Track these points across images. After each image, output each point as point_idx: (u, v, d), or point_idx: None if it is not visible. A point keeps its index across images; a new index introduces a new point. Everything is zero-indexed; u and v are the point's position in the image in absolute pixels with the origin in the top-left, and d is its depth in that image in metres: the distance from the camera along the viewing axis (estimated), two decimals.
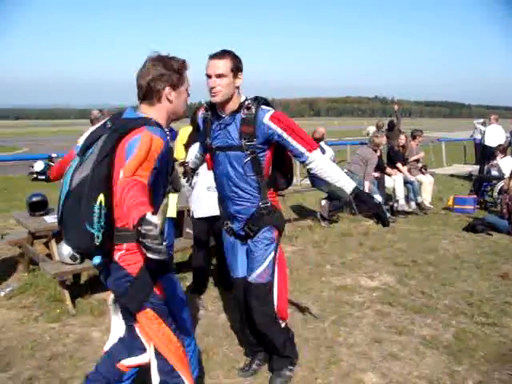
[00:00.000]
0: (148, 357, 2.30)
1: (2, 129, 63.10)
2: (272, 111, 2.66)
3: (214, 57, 2.59)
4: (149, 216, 1.60)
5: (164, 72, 2.12)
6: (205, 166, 3.15)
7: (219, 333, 3.84)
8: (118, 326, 2.44)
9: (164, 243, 1.66)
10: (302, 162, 2.77)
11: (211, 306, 4.37)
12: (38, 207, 4.75)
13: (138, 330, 2.28)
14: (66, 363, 3.36)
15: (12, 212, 6.26)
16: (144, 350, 2.31)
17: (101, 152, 2.04)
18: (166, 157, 2.12)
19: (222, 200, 2.96)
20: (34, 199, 4.78)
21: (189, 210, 4.63)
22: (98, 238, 2.01)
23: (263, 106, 2.68)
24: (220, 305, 4.40)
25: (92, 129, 2.25)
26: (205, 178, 4.04)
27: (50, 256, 4.73)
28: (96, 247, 2.05)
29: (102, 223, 2.00)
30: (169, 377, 2.24)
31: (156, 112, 2.17)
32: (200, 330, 3.83)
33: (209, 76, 2.60)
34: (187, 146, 6.06)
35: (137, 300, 2.15)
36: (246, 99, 2.71)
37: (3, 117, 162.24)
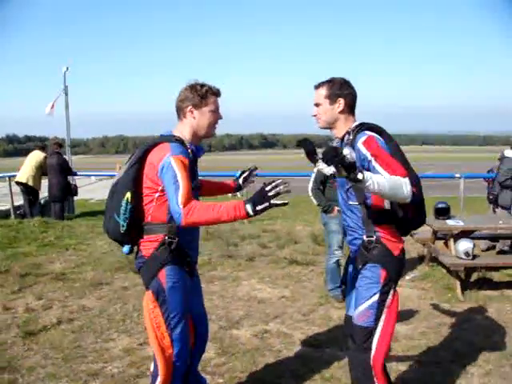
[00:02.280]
0: None
1: None
2: (366, 136, 2.47)
3: (314, 87, 2.69)
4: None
5: (189, 95, 2.55)
6: None
7: None
8: None
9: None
10: None
11: None
12: (443, 212, 5.81)
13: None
14: None
15: None
16: None
17: (133, 160, 2.52)
18: (191, 166, 2.50)
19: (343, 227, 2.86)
20: (440, 206, 5.88)
21: None
22: (123, 227, 2.47)
23: (366, 131, 2.51)
24: None
25: None
26: None
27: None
28: (122, 235, 2.51)
29: (127, 215, 2.45)
30: (154, 363, 2.60)
31: (183, 127, 2.59)
32: None
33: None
34: None
35: (145, 278, 2.57)
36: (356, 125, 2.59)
37: None
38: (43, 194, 10.64)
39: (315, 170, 4.98)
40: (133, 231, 2.52)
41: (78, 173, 12.24)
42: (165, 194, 2.44)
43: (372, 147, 2.41)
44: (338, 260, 5.16)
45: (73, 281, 5.73)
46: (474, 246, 5.29)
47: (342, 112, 2.60)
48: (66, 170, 10.21)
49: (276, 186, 2.28)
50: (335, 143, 2.67)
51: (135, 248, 2.64)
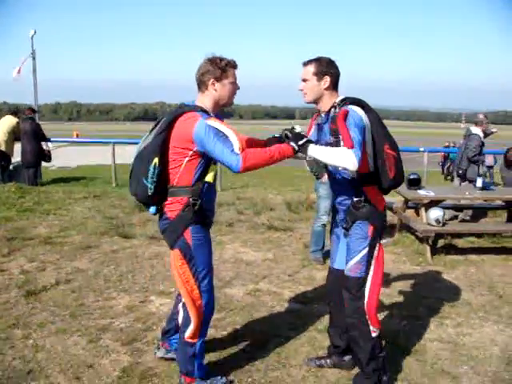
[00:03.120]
0: None
1: None
2: (342, 110, 2.73)
3: (303, 64, 2.88)
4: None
5: (210, 68, 2.70)
6: None
7: None
8: None
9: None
10: None
11: None
12: (415, 183, 6.23)
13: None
14: None
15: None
16: None
17: (160, 127, 2.66)
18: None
19: (332, 191, 3.18)
20: (412, 177, 6.29)
21: None
22: (150, 189, 2.64)
23: (349, 105, 2.75)
24: None
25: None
26: None
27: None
28: (149, 197, 2.68)
29: (155, 179, 2.62)
30: (185, 312, 2.86)
31: (205, 98, 2.75)
32: None
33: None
34: None
35: (171, 238, 2.76)
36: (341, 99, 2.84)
37: None
38: (15, 159, 10.47)
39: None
40: (160, 194, 2.70)
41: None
42: (194, 158, 2.64)
43: (339, 119, 2.69)
44: (323, 224, 5.50)
45: (60, 244, 5.85)
46: (444, 214, 5.75)
47: (327, 88, 2.83)
48: (39, 135, 10.09)
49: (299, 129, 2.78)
50: (321, 118, 2.95)
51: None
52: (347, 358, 3.20)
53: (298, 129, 2.80)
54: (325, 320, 3.88)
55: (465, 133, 7.32)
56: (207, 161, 2.68)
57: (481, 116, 7.53)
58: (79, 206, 7.95)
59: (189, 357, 2.85)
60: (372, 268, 2.87)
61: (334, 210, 3.15)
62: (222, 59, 2.74)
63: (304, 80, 2.86)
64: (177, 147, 2.65)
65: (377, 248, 2.89)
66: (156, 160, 2.62)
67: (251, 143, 2.83)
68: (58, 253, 5.53)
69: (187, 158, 2.65)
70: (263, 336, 3.63)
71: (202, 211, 2.75)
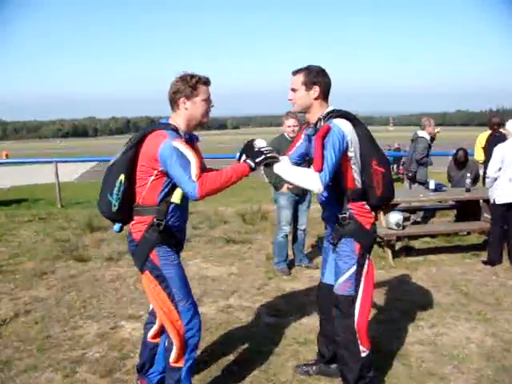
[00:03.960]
0: None
1: None
2: (324, 126, 2.66)
3: (292, 73, 2.83)
4: None
5: (180, 86, 2.63)
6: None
7: None
8: None
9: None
10: None
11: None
12: None
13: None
14: None
15: None
16: None
17: (131, 143, 2.61)
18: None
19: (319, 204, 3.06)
20: None
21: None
22: (114, 206, 2.59)
23: (334, 120, 2.67)
24: None
25: None
26: (508, 170, 4.99)
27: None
28: (113, 213, 2.63)
29: (120, 195, 2.58)
30: (167, 337, 2.75)
31: (177, 117, 2.68)
32: None
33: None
34: (485, 149, 7.04)
35: (139, 261, 2.69)
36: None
37: None
38: None
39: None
40: (124, 211, 2.65)
41: None
42: (159, 177, 2.55)
43: (317, 136, 2.61)
44: (285, 235, 5.50)
45: (12, 273, 5.51)
46: (403, 217, 5.92)
47: (316, 98, 2.76)
48: None
49: (259, 144, 2.68)
50: (310, 129, 2.85)
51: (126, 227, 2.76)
52: (334, 365, 3.17)
53: (259, 143, 2.70)
54: (304, 332, 3.89)
55: (412, 136, 7.59)
56: (173, 181, 2.61)
57: (423, 119, 7.85)
58: (26, 230, 7.56)
59: (175, 382, 2.72)
60: (362, 286, 2.79)
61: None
62: (192, 76, 2.67)
63: (293, 90, 2.80)
64: (143, 165, 2.58)
65: (366, 266, 2.81)
66: (122, 177, 2.58)
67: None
68: (11, 282, 5.20)
69: (152, 177, 2.57)
70: (246, 353, 3.56)
71: (168, 231, 2.66)
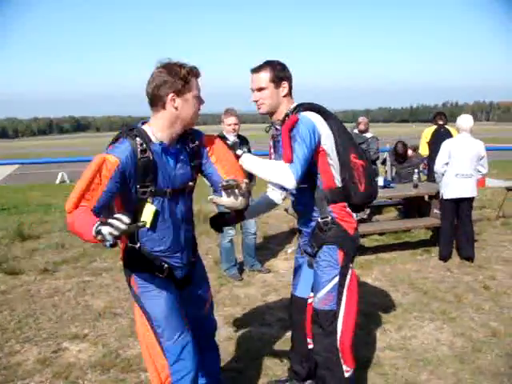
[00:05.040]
0: None
1: None
2: (290, 118, 2.43)
3: (253, 71, 2.54)
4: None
5: (168, 78, 2.06)
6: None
7: None
8: None
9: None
10: None
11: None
12: None
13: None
14: None
15: None
16: None
17: None
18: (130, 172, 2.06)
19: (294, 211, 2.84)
20: None
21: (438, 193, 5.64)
22: None
23: (302, 113, 2.44)
24: None
25: None
26: (455, 165, 5.09)
27: None
28: None
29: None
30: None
31: (158, 120, 2.13)
32: None
33: (252, 90, 2.56)
34: (430, 144, 7.15)
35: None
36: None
37: None
38: None
39: None
40: None
41: None
42: (118, 195, 2.11)
43: (284, 129, 2.38)
44: (231, 239, 5.25)
45: None
46: (357, 216, 5.81)
47: (285, 95, 2.53)
48: None
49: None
50: (277, 128, 2.59)
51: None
52: (308, 382, 2.95)
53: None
54: (268, 343, 3.64)
55: (360, 140, 7.55)
56: (134, 199, 2.12)
57: (360, 119, 8.01)
58: None
59: None
60: (344, 299, 2.50)
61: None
62: (182, 66, 2.10)
63: (259, 89, 2.50)
64: None
65: (349, 276, 2.52)
66: None
67: None
68: None
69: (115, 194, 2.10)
70: None
71: (145, 256, 2.23)
